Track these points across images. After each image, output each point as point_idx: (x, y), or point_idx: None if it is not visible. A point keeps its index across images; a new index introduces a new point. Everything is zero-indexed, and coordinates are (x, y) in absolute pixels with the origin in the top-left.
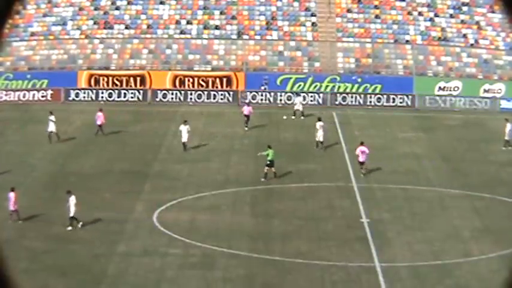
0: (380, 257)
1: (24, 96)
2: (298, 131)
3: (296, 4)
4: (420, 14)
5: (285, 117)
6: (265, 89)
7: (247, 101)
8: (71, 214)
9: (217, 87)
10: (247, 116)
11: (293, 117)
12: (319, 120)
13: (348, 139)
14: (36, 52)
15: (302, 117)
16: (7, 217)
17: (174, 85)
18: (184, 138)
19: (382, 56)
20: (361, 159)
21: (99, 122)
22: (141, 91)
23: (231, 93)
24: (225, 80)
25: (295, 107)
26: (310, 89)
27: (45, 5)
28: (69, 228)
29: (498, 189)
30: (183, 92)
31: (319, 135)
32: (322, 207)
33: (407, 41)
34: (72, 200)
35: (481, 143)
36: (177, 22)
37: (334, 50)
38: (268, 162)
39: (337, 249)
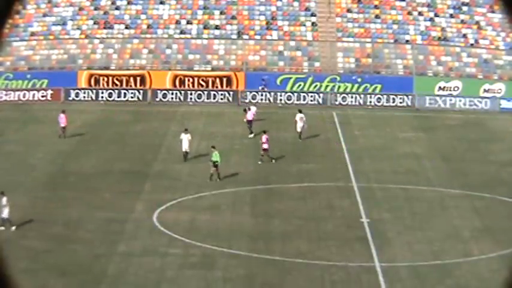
0: (380, 257)
1: (24, 96)
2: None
3: (296, 4)
4: (420, 14)
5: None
6: (263, 89)
7: (247, 100)
8: (4, 215)
9: (217, 87)
10: (250, 122)
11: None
12: (300, 112)
13: (348, 139)
14: (36, 52)
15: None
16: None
17: (174, 85)
18: (185, 147)
19: (382, 56)
20: (265, 146)
21: (62, 124)
22: (141, 91)
23: (231, 93)
24: (225, 80)
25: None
26: (310, 89)
27: (45, 5)
28: (2, 228)
29: (498, 189)
30: (183, 92)
31: (299, 127)
32: (322, 207)
33: (407, 41)
34: (3, 201)
35: (481, 143)
36: (177, 22)
37: (334, 50)
38: (213, 163)
39: (337, 249)
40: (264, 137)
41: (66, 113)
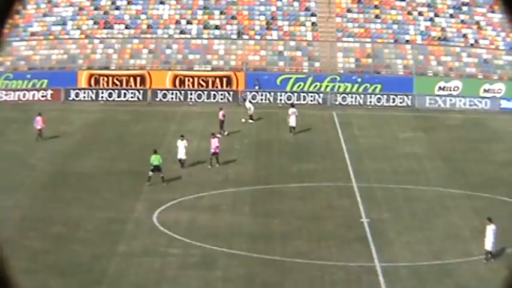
0: (380, 257)
1: (24, 96)
2: (298, 131)
3: (296, 4)
4: (420, 14)
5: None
6: (258, 88)
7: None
8: None
9: (217, 87)
10: (222, 121)
11: (250, 121)
12: (292, 106)
13: (348, 139)
14: (36, 52)
15: (251, 121)
16: (7, 217)
17: (174, 85)
18: (181, 154)
19: (382, 56)
20: (216, 150)
21: (38, 127)
22: (141, 91)
23: (231, 93)
24: (225, 80)
25: (250, 112)
26: (310, 89)
27: (45, 5)
28: None
29: (498, 189)
30: (183, 92)
31: (292, 121)
32: (322, 207)
33: (407, 41)
34: None
35: (481, 143)
36: (177, 22)
37: (334, 50)
38: (152, 167)
39: (337, 249)
40: (216, 140)
41: (42, 116)
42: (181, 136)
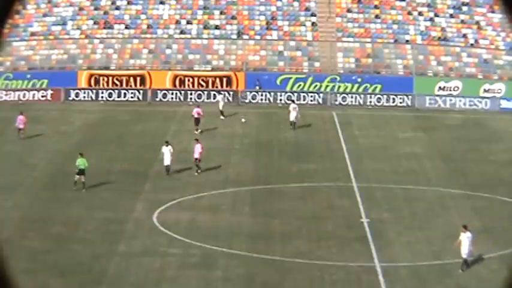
0: (380, 257)
1: (24, 96)
2: (298, 131)
3: (296, 4)
4: (420, 14)
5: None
6: (259, 88)
7: (247, 100)
8: None
9: (217, 87)
10: (197, 119)
11: (221, 117)
12: (293, 102)
13: (348, 139)
14: (36, 52)
15: (222, 117)
16: (7, 217)
17: (174, 85)
18: (167, 161)
19: (382, 56)
20: (198, 155)
21: (21, 126)
22: (141, 91)
23: (231, 93)
24: (225, 80)
25: (220, 107)
26: (310, 89)
27: (45, 5)
28: None
29: (498, 189)
30: (183, 92)
31: (292, 116)
32: (322, 207)
33: (407, 41)
34: None
35: (481, 143)
36: (177, 22)
37: (334, 50)
38: (78, 171)
39: (337, 249)
40: (199, 146)
41: (24, 114)
42: (166, 142)
